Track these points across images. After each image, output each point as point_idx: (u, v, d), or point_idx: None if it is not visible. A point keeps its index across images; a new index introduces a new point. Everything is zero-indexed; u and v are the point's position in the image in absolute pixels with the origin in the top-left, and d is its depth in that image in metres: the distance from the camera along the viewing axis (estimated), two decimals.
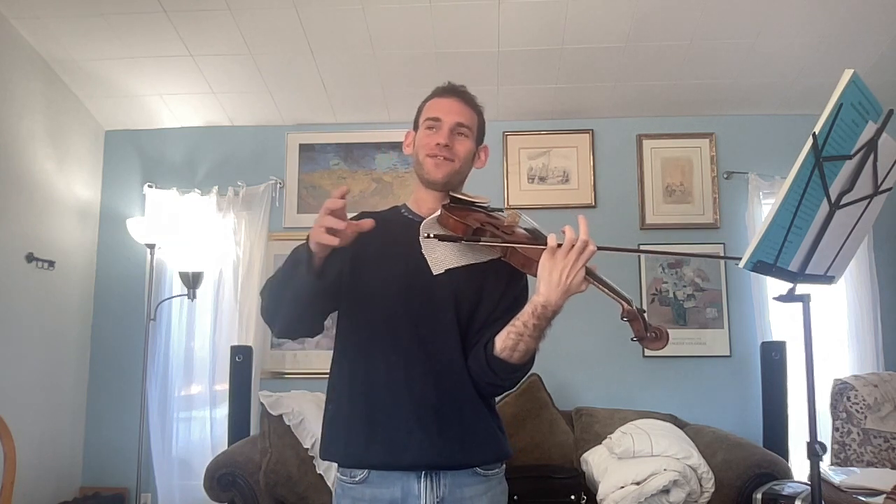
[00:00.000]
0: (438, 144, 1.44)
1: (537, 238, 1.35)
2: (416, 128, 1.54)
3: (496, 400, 1.49)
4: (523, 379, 1.44)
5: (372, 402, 1.36)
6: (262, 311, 1.42)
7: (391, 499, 1.35)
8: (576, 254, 1.22)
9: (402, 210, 1.54)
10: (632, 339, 1.27)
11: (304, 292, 1.30)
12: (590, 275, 1.26)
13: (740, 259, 1.25)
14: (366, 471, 1.37)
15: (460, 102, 1.49)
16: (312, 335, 1.43)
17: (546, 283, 1.24)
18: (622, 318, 1.26)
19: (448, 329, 1.38)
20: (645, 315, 1.26)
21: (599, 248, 1.24)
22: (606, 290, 1.27)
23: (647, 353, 3.77)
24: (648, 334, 1.25)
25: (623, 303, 1.25)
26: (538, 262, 1.26)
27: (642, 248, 3.81)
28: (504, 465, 1.46)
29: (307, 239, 1.27)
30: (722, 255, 3.83)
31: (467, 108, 1.50)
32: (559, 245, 1.23)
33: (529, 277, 1.39)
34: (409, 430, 1.33)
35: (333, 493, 1.46)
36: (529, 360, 1.34)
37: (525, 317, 1.28)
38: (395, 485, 1.35)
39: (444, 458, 1.34)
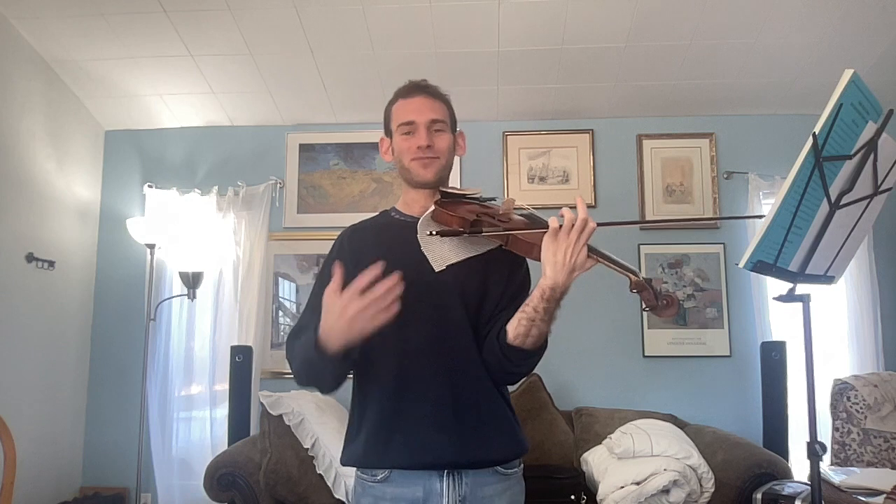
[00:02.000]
0: (420, 147, 1.43)
1: (536, 223, 1.35)
2: (388, 133, 1.53)
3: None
4: (531, 371, 1.44)
5: (389, 408, 1.36)
6: (299, 381, 1.38)
7: (413, 498, 1.34)
8: (576, 232, 1.22)
9: (393, 213, 1.53)
10: (643, 310, 1.27)
11: (332, 370, 1.28)
12: (593, 251, 1.25)
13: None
14: (387, 470, 1.37)
15: (427, 98, 1.47)
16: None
17: (551, 265, 1.24)
18: (632, 291, 1.26)
19: (459, 326, 1.38)
20: (653, 283, 1.25)
21: (600, 225, 1.24)
22: (612, 265, 1.27)
23: (648, 352, 3.76)
24: (660, 302, 1.24)
25: (630, 275, 1.25)
26: (540, 246, 1.25)
27: (642, 247, 3.82)
28: (522, 465, 1.46)
29: (318, 339, 1.22)
30: (722, 252, 3.81)
31: (436, 101, 1.48)
32: (560, 226, 1.23)
33: (530, 260, 1.38)
34: (428, 433, 1.34)
35: (352, 492, 1.46)
36: (543, 344, 1.34)
37: (534, 302, 1.28)
38: (416, 484, 1.35)
39: (464, 458, 1.34)
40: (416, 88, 1.48)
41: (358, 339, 1.20)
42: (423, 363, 1.37)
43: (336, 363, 1.24)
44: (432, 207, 1.40)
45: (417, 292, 1.38)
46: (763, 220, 1.25)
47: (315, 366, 1.27)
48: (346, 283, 1.41)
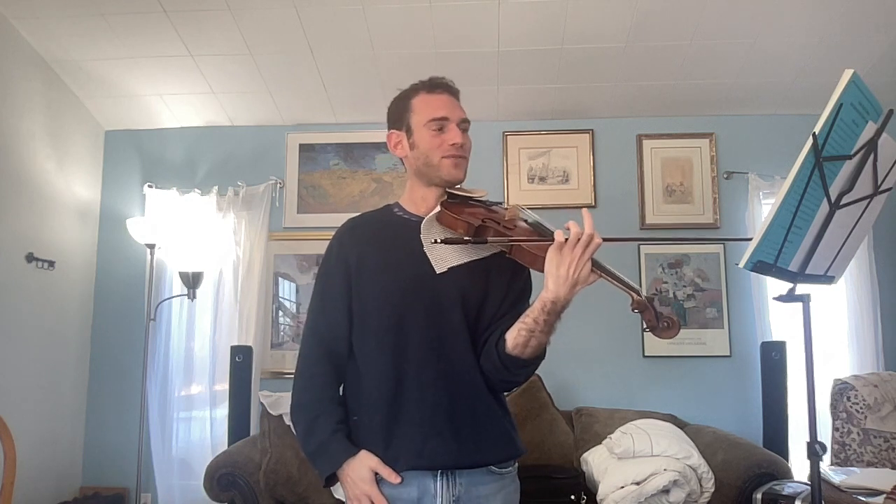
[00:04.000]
0: (455, 144, 1.41)
1: (541, 233, 1.33)
2: (399, 127, 1.48)
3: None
4: (528, 379, 1.44)
5: (387, 410, 1.36)
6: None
7: (408, 498, 1.35)
8: (581, 248, 1.21)
9: (396, 210, 1.51)
10: (644, 330, 1.26)
11: None
12: (597, 267, 1.24)
13: (744, 241, 1.24)
14: None
15: (452, 97, 1.47)
16: None
17: (554, 278, 1.23)
18: (633, 310, 1.24)
19: (457, 329, 1.37)
20: (655, 304, 1.24)
21: (605, 240, 1.23)
22: (615, 282, 1.26)
23: (648, 352, 3.76)
24: (661, 324, 1.23)
25: (632, 293, 1.24)
26: (543, 257, 1.24)
27: (642, 247, 3.82)
28: (517, 464, 1.46)
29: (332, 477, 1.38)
30: (722, 252, 3.81)
31: (459, 101, 1.48)
32: (565, 240, 1.22)
33: (533, 271, 1.37)
34: (425, 436, 1.34)
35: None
36: (541, 354, 1.34)
37: (535, 313, 1.27)
38: (411, 484, 1.34)
39: (460, 460, 1.35)
40: (442, 85, 1.47)
41: None
42: (419, 366, 1.36)
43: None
44: (437, 209, 1.38)
45: (416, 293, 1.38)
46: (763, 219, 1.25)
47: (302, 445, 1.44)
48: (347, 286, 1.41)
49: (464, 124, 1.45)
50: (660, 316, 1.24)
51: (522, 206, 1.42)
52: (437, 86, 1.46)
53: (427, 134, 1.42)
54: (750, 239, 1.23)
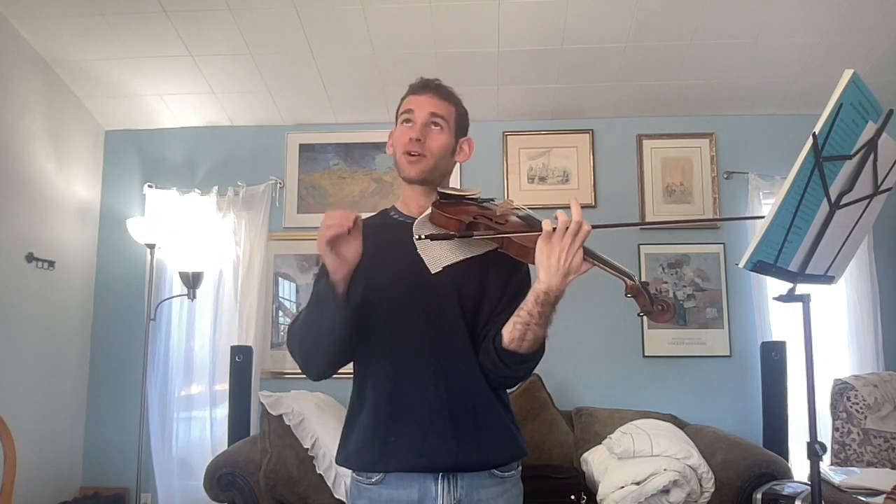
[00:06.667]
0: (411, 139, 1.41)
1: (532, 225, 1.32)
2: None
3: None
4: (528, 376, 1.43)
5: (385, 409, 1.35)
6: (296, 358, 1.40)
7: (408, 500, 1.34)
8: (571, 236, 1.20)
9: (392, 213, 1.52)
10: (638, 314, 1.26)
11: (337, 323, 1.29)
12: (589, 254, 1.24)
13: (738, 220, 1.25)
14: (382, 472, 1.36)
15: (434, 97, 1.45)
16: (347, 363, 1.42)
17: (545, 268, 1.22)
18: (626, 295, 1.24)
19: (455, 327, 1.37)
20: (649, 288, 1.24)
21: (595, 227, 1.22)
22: (608, 269, 1.25)
23: (648, 352, 3.76)
24: (655, 307, 1.23)
25: (625, 279, 1.24)
26: (535, 249, 1.24)
27: (642, 247, 3.82)
28: (520, 467, 1.45)
29: (322, 271, 1.30)
30: (722, 252, 3.81)
31: (442, 101, 1.46)
32: (554, 229, 1.21)
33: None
34: (424, 435, 1.32)
35: (348, 493, 1.45)
36: (540, 348, 1.32)
37: (529, 305, 1.26)
38: (412, 486, 1.34)
39: (460, 461, 1.33)
40: (427, 86, 1.47)
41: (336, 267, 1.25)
42: (418, 365, 1.35)
43: (339, 310, 1.27)
44: (429, 209, 1.38)
45: (413, 293, 1.37)
46: (763, 220, 1.25)
47: (315, 321, 1.31)
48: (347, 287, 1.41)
49: (434, 118, 1.43)
50: (654, 299, 1.23)
51: (518, 205, 1.42)
52: (422, 87, 1.47)
53: (398, 129, 1.47)
54: (747, 218, 1.24)
